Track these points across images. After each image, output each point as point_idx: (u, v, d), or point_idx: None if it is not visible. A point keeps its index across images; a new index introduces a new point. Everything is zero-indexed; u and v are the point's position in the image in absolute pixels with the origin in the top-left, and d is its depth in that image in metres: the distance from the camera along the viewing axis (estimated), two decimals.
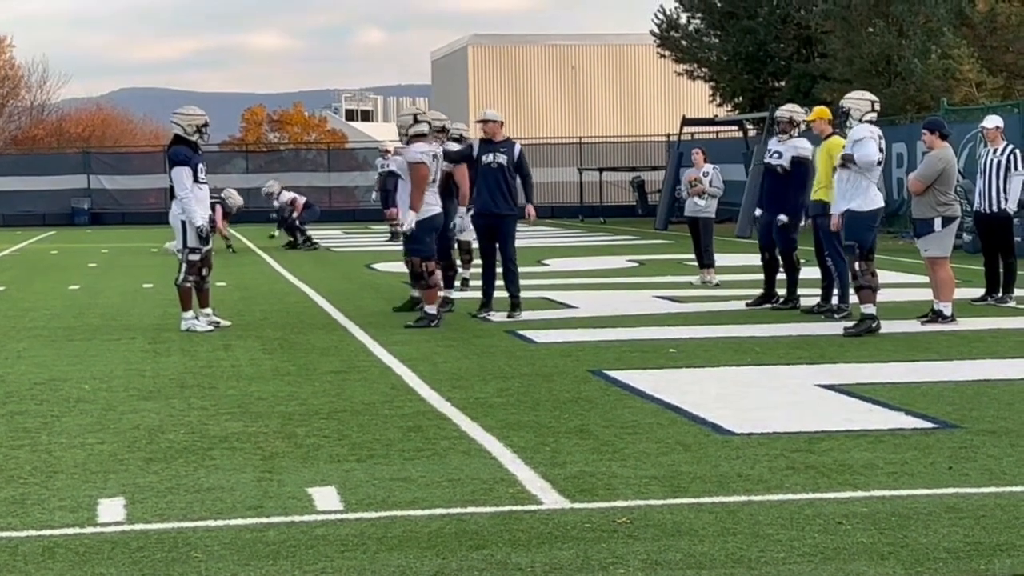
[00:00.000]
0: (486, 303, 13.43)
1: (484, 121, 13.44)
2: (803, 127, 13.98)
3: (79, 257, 25.30)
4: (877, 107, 12.06)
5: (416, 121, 12.84)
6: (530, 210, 13.56)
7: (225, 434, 7.60)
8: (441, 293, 13.37)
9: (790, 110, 14.00)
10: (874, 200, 11.88)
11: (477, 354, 10.82)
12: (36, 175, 43.17)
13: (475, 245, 14.69)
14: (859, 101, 12.06)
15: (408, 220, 12.62)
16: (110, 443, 7.41)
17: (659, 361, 10.34)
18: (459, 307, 13.90)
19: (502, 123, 13.46)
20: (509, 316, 13.19)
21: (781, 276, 14.03)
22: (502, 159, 13.24)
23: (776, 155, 13.83)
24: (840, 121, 12.35)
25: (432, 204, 12.82)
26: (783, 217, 13.67)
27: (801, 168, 13.67)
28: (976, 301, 13.97)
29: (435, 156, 12.88)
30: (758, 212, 14.33)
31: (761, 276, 14.31)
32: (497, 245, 13.32)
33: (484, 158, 13.29)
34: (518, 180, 13.39)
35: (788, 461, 6.69)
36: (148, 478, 6.54)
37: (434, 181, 12.83)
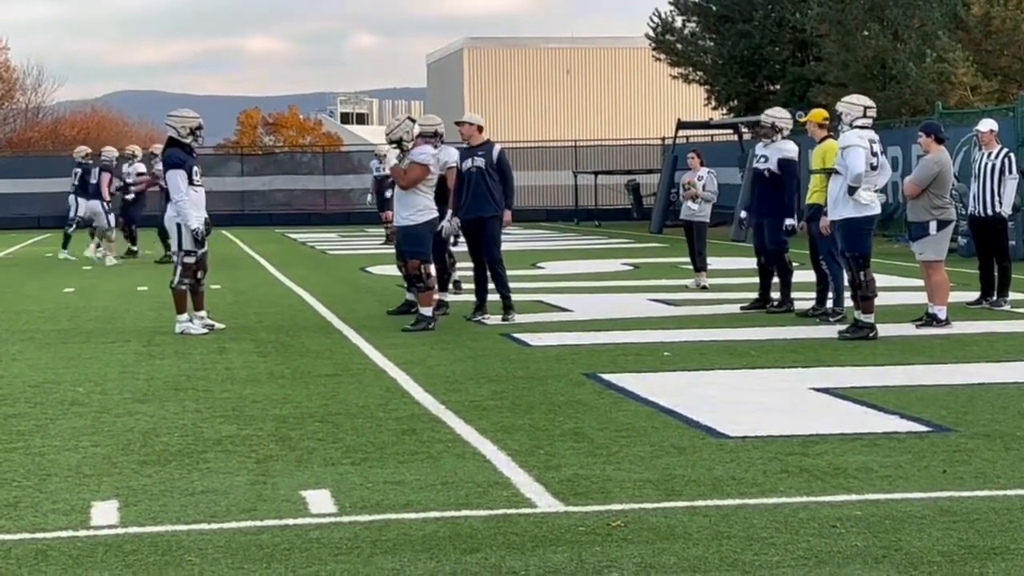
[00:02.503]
0: (480, 306, 13.42)
1: (460, 124, 13.45)
2: (787, 132, 14.06)
3: (74, 260, 25.25)
4: (871, 113, 11.97)
5: (414, 123, 13.03)
6: (505, 215, 13.39)
7: (219, 437, 7.60)
8: (435, 296, 13.37)
9: (772, 115, 14.09)
10: (870, 206, 11.86)
11: (471, 357, 10.81)
12: (31, 177, 43.06)
13: (453, 249, 14.75)
14: (851, 106, 12.02)
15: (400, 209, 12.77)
16: (104, 446, 7.40)
17: (654, 364, 10.34)
18: (453, 310, 13.90)
19: (481, 127, 13.35)
20: (503, 319, 13.19)
21: (776, 280, 14.04)
22: (480, 162, 13.20)
23: (763, 159, 13.93)
24: (834, 124, 12.40)
25: (431, 207, 12.88)
26: (791, 221, 13.65)
27: (789, 169, 13.79)
28: (971, 304, 13.99)
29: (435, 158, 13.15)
30: (743, 215, 14.43)
31: (756, 280, 14.35)
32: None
33: (464, 165, 13.29)
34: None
35: (782, 464, 6.69)
36: (142, 481, 6.53)
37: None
